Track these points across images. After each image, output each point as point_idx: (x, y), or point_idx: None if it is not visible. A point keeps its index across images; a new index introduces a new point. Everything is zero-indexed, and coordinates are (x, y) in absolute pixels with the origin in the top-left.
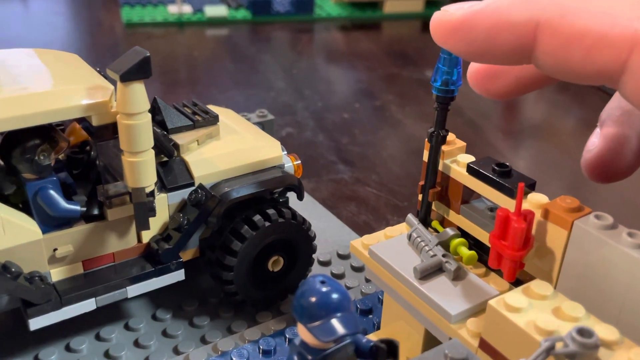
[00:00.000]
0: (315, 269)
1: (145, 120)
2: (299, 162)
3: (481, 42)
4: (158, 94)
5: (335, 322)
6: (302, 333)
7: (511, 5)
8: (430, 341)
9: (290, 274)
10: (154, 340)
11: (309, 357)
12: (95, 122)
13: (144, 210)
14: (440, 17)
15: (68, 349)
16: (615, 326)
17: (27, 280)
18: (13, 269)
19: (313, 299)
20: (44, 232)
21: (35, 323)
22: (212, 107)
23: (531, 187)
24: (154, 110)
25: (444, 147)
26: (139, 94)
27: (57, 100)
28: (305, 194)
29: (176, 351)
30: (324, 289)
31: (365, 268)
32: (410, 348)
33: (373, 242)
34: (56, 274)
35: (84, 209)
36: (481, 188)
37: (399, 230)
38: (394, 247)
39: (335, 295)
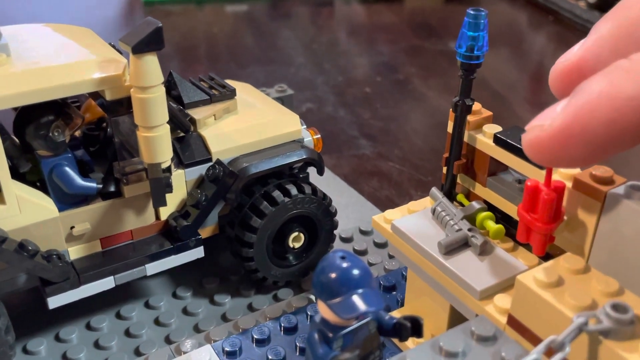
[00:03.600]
0: (337, 245)
1: (159, 94)
2: (319, 136)
3: (601, 138)
4: (177, 71)
5: (356, 299)
6: (323, 310)
7: (617, 82)
8: (456, 318)
9: (312, 251)
10: (174, 318)
11: (330, 335)
12: (108, 96)
13: (161, 186)
14: (536, 137)
15: (88, 327)
16: None
17: (45, 258)
18: (30, 248)
19: (333, 275)
20: (60, 209)
21: (54, 301)
22: (229, 82)
23: None
24: (170, 84)
25: (469, 117)
26: (152, 66)
27: (70, 75)
28: (326, 170)
29: (197, 329)
30: (345, 265)
31: (388, 244)
32: (435, 325)
33: (396, 217)
34: (74, 252)
35: (100, 186)
36: (509, 159)
37: (423, 204)
38: (418, 221)
39: (356, 271)
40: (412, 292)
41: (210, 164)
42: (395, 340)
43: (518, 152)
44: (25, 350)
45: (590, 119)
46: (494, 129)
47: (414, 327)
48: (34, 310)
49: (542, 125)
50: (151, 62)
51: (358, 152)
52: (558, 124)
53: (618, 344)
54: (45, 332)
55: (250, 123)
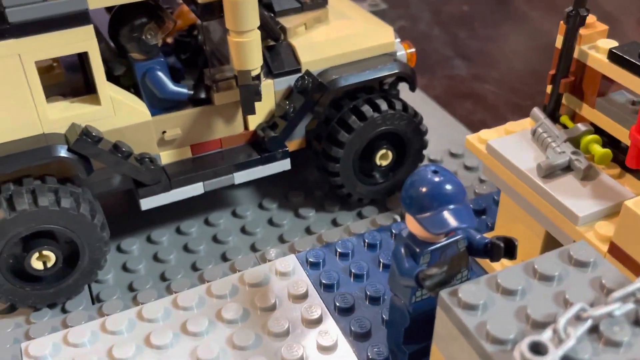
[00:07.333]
0: None
1: None
2: (413, 50)
3: None
4: None
5: (447, 214)
6: (411, 224)
7: None
8: (551, 245)
9: (399, 170)
10: (260, 227)
11: (417, 250)
12: None
13: (250, 93)
14: None
15: (178, 231)
16: None
17: (138, 161)
18: (124, 149)
19: (424, 189)
20: (152, 114)
21: (146, 203)
22: None
23: None
24: None
25: (581, 31)
26: None
27: None
28: (417, 90)
29: (282, 239)
30: (437, 179)
31: (481, 165)
32: (526, 252)
33: (492, 137)
34: (165, 157)
35: (191, 92)
36: (624, 77)
37: (522, 125)
38: (516, 142)
39: (448, 186)
40: (504, 217)
41: (300, 74)
42: (483, 263)
43: (636, 69)
44: (119, 249)
45: None
46: (609, 44)
47: (507, 248)
48: (128, 211)
49: None
50: None
51: (452, 72)
52: None
53: None
54: (138, 233)
55: (342, 34)
